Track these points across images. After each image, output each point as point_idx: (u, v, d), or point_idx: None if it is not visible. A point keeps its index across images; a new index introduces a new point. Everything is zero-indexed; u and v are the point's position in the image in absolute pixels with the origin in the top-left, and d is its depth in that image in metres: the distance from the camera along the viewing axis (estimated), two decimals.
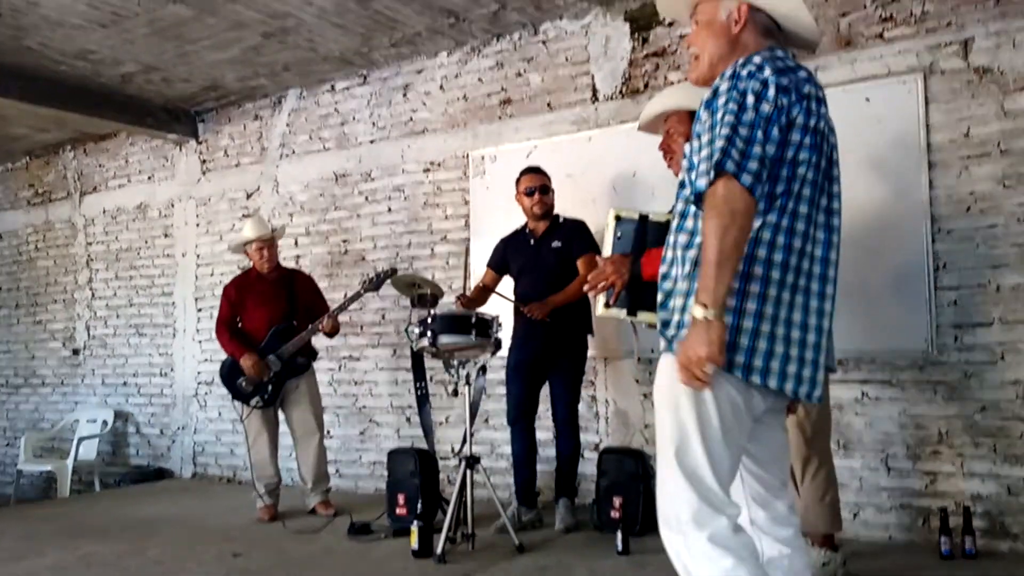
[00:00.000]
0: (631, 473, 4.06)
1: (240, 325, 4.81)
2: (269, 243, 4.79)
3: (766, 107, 1.75)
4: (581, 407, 4.37)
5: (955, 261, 3.80)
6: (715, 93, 1.83)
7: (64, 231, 7.58)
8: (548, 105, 5.01)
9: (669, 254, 1.91)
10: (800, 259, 1.82)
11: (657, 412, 1.88)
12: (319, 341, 5.00)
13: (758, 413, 1.86)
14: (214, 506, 5.33)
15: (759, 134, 1.73)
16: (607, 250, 2.18)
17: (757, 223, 1.78)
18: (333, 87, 5.96)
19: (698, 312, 1.69)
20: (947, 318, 3.80)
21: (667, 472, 1.81)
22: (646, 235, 2.19)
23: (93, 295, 7.31)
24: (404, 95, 5.62)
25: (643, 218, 2.20)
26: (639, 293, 2.07)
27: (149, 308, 6.92)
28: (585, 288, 2.47)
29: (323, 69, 5.75)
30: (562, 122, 4.95)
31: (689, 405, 1.78)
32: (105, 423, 6.85)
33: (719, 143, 1.73)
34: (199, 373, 6.55)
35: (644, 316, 2.21)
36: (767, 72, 1.78)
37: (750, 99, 1.75)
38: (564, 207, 4.41)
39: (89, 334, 7.31)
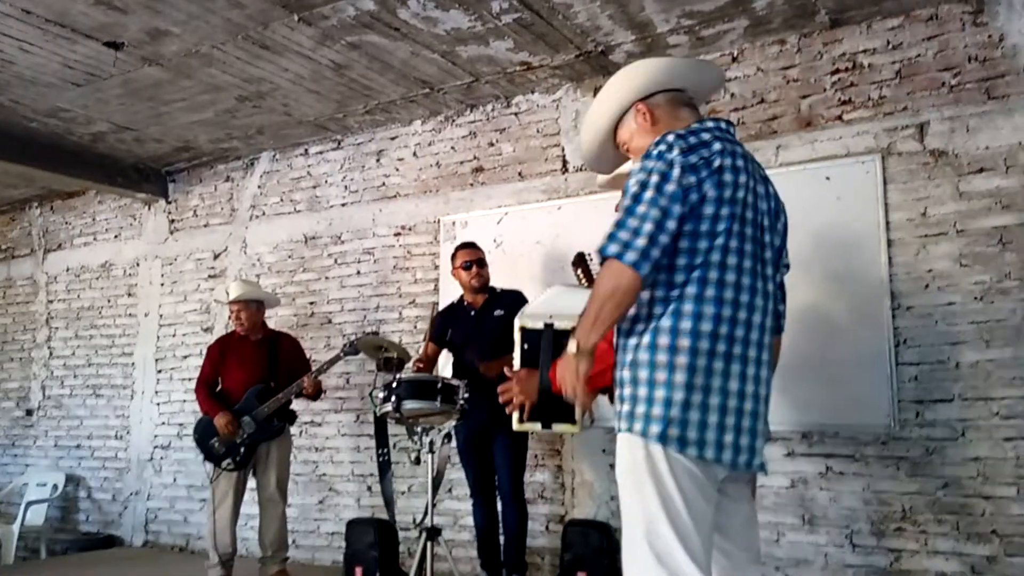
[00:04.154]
0: (596, 547, 4.00)
1: (220, 386, 4.74)
2: (244, 306, 4.75)
3: (670, 187, 1.80)
4: (547, 477, 4.30)
5: (915, 337, 3.86)
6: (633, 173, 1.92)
7: (25, 288, 7.44)
8: (519, 174, 5.09)
9: (617, 342, 1.94)
10: (731, 327, 1.84)
11: (621, 493, 1.87)
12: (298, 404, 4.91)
13: (719, 481, 1.86)
14: None
15: (654, 211, 1.78)
16: (516, 363, 2.10)
17: (670, 295, 1.83)
18: (307, 151, 6.00)
19: (571, 347, 1.84)
20: (908, 394, 3.84)
21: (636, 554, 1.79)
22: (557, 342, 2.04)
23: (51, 354, 7.14)
24: (377, 160, 5.67)
25: (548, 327, 2.10)
26: (552, 405, 2.00)
27: (108, 368, 6.76)
28: (501, 399, 2.24)
29: (297, 133, 5.80)
30: (532, 191, 5.02)
31: (651, 484, 1.78)
32: (56, 487, 6.61)
33: (611, 225, 1.83)
34: (155, 436, 6.37)
35: (560, 427, 2.12)
36: (674, 153, 1.83)
37: (654, 178, 1.82)
38: (534, 274, 4.42)
39: (44, 394, 7.11)
